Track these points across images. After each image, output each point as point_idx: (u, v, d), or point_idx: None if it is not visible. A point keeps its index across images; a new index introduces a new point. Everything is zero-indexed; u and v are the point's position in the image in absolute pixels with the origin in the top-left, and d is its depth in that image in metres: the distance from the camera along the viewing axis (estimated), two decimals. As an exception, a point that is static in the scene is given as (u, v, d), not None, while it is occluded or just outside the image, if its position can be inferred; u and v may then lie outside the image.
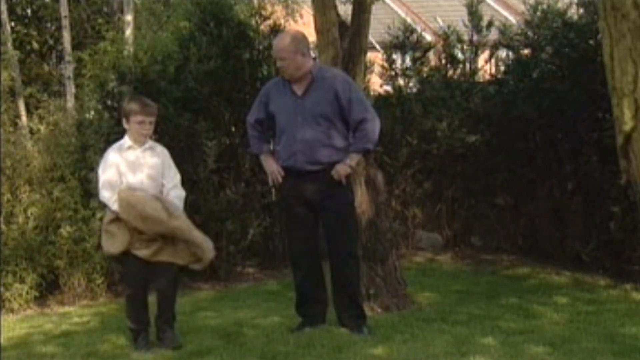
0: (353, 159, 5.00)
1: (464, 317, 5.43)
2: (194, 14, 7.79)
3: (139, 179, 4.87)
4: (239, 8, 8.42)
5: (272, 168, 5.06)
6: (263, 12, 8.10)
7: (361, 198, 5.56)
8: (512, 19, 12.19)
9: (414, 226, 8.35)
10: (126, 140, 4.92)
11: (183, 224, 4.79)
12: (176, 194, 4.93)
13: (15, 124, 8.31)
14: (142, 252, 4.77)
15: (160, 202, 4.80)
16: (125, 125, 4.93)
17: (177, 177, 5.00)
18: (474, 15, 8.57)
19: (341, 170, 4.94)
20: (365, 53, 6.29)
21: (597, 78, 6.26)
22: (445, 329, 5.09)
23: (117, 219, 4.78)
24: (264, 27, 7.97)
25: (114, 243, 4.83)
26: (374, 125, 4.98)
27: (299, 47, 4.97)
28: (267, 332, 5.13)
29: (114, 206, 4.78)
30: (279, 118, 5.00)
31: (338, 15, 5.92)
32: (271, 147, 5.23)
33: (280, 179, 5.03)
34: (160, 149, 5.03)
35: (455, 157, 8.18)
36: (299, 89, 4.99)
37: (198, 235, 4.82)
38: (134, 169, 4.87)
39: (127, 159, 4.88)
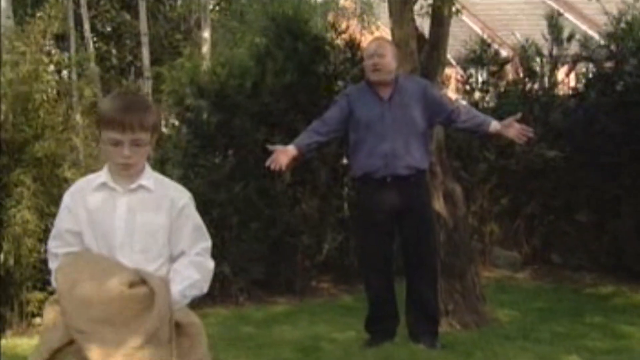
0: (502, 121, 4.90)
1: (546, 335, 5.28)
2: (270, 29, 7.84)
3: (109, 244, 2.59)
4: (314, 22, 8.45)
5: (280, 155, 4.69)
6: (338, 27, 8.11)
7: (440, 212, 5.48)
8: (592, 33, 11.90)
9: (491, 243, 8.19)
10: (101, 174, 2.67)
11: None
12: (194, 261, 2.65)
13: (97, 139, 8.50)
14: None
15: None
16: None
17: (204, 243, 2.70)
18: (554, 27, 8.39)
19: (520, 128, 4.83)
20: (444, 67, 6.21)
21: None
22: (527, 347, 4.95)
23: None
24: (339, 41, 7.98)
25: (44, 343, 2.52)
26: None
27: (396, 53, 5.03)
28: (345, 347, 5.08)
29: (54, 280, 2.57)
30: (364, 123, 4.86)
31: (416, 28, 5.86)
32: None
33: (279, 166, 4.65)
34: (172, 197, 2.67)
35: (534, 172, 7.99)
36: (384, 94, 4.93)
37: None
38: (103, 224, 2.60)
39: (92, 205, 2.62)
